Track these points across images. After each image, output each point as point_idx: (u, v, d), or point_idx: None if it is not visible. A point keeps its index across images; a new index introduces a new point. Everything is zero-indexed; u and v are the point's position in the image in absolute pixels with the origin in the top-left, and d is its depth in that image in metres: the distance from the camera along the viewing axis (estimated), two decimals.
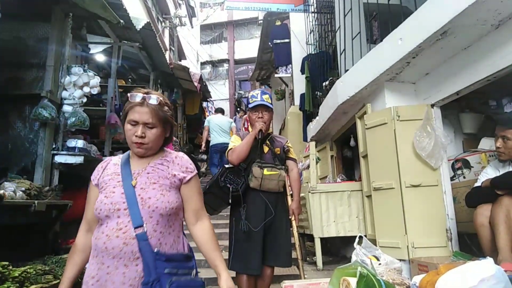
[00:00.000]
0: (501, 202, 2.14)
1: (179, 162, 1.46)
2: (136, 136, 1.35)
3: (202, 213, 1.47)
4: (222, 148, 6.03)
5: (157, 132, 1.39)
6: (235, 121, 11.38)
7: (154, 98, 1.37)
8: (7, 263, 2.24)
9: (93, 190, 1.45)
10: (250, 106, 2.60)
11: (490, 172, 2.39)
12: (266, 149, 2.56)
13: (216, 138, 6.42)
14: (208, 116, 9.70)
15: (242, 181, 2.41)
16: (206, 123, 6.84)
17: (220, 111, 7.33)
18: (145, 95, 1.37)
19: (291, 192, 2.65)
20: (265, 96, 2.57)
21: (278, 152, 2.58)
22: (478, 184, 2.40)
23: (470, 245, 2.65)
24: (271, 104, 2.60)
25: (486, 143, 3.00)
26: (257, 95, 2.58)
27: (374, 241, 2.88)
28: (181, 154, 1.52)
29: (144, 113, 1.35)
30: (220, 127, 6.47)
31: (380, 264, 2.18)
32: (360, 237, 2.46)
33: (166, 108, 1.41)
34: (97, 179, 1.45)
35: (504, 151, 2.31)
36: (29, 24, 3.82)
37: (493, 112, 3.31)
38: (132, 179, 1.38)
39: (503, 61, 2.09)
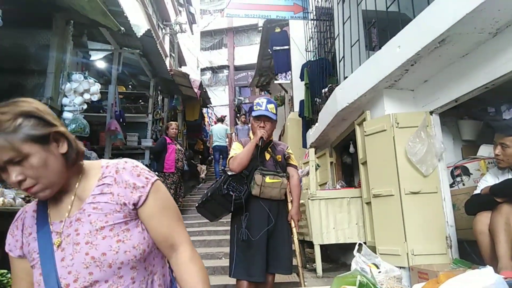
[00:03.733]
0: (500, 209, 2.14)
1: (122, 179, 0.97)
2: (14, 183, 0.88)
3: (176, 240, 1.00)
4: (220, 147, 9.24)
5: (37, 161, 0.86)
6: (236, 130, 11.54)
7: None
8: (5, 271, 2.23)
9: (18, 264, 1.01)
10: (253, 114, 2.55)
11: (489, 180, 2.38)
12: (268, 156, 2.56)
13: (216, 142, 9.27)
14: (208, 122, 12.01)
15: (244, 188, 2.40)
16: (210, 132, 9.83)
17: (220, 120, 10.14)
18: None
19: (291, 199, 2.65)
20: (270, 106, 2.51)
21: (280, 159, 2.58)
22: (477, 191, 2.40)
23: (470, 252, 2.64)
24: (275, 114, 2.55)
25: (485, 150, 2.99)
26: (262, 104, 2.51)
27: (373, 248, 2.86)
28: (122, 163, 1.01)
29: None
30: (219, 134, 9.29)
31: (380, 272, 2.17)
32: (360, 244, 2.46)
33: (19, 120, 0.87)
34: (18, 248, 0.99)
35: (503, 158, 2.31)
36: (31, 31, 3.86)
37: (492, 119, 3.31)
38: (53, 239, 0.94)
39: (501, 69, 2.09)
